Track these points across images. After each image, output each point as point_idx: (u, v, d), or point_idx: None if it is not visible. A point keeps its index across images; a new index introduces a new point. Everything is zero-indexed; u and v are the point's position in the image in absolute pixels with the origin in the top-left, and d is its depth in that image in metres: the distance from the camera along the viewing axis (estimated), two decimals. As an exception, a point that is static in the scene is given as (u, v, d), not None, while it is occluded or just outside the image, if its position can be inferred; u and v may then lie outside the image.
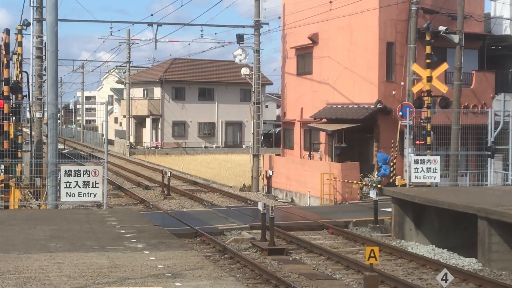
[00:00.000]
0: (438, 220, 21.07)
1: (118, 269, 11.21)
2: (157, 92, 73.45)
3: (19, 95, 27.29)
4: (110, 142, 73.23)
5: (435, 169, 24.07)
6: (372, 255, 13.66)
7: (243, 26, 39.68)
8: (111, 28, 44.51)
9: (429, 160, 24.27)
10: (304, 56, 37.75)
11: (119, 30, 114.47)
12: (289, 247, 20.21)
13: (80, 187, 19.78)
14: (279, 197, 35.71)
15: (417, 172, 24.09)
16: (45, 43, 28.33)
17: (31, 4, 33.92)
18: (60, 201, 20.76)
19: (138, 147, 72.10)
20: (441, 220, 21.05)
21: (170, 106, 72.64)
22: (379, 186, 28.54)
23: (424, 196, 20.53)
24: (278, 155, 39.90)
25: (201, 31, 41.26)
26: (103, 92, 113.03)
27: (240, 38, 38.33)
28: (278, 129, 61.99)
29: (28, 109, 32.88)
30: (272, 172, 36.94)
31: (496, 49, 36.12)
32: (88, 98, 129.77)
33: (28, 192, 25.02)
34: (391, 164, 31.38)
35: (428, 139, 27.27)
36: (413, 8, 30.85)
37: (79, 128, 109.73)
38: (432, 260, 18.03)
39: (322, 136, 35.29)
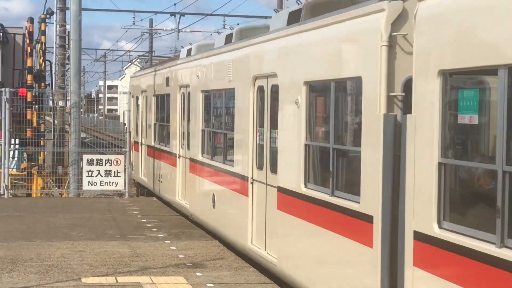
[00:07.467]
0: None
1: (140, 258, 11.25)
2: (178, 82, 73.53)
3: (42, 84, 27.44)
4: (132, 132, 73.26)
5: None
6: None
7: (265, 17, 39.61)
8: (133, 17, 44.68)
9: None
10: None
11: (141, 20, 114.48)
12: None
13: (102, 176, 19.89)
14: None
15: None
16: (68, 32, 28.47)
17: (55, -7, 34.00)
18: (81, 189, 20.89)
19: (159, 136, 72.19)
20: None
21: (192, 96, 72.69)
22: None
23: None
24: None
25: (224, 21, 41.07)
26: (125, 81, 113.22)
27: (262, 28, 38.27)
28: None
29: (51, 97, 33.03)
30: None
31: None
32: (110, 87, 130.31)
33: (50, 180, 25.14)
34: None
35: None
36: None
37: (101, 117, 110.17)
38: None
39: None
